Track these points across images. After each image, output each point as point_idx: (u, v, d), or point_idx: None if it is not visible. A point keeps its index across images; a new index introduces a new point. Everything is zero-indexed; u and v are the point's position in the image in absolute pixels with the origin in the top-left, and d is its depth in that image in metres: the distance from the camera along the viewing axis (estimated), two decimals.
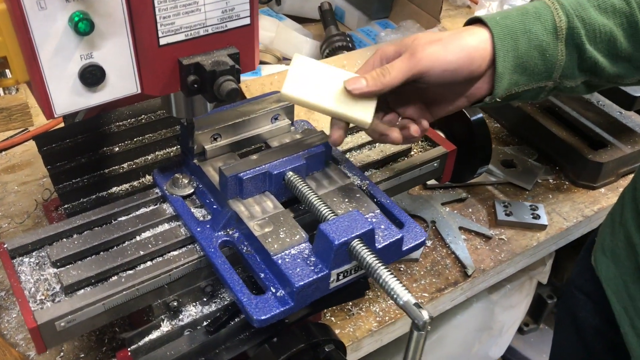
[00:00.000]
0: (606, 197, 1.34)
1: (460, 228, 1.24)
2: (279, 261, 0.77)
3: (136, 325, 0.96)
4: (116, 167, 1.00)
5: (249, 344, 0.87)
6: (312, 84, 0.83)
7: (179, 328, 0.85)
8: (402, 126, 0.87)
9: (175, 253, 0.85)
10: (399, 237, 0.82)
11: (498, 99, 0.86)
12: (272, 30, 1.65)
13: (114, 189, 0.99)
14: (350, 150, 1.04)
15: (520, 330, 2.00)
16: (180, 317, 0.86)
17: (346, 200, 0.87)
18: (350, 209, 0.85)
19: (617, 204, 1.13)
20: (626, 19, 0.84)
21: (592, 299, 1.21)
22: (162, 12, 0.66)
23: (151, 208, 0.91)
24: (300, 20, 1.81)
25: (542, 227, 1.25)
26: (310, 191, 0.83)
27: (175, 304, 0.85)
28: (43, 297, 0.79)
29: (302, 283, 0.75)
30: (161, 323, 0.85)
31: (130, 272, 0.82)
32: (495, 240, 1.23)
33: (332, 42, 1.55)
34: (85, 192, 0.97)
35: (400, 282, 0.72)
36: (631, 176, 1.38)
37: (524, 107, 1.44)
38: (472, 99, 0.87)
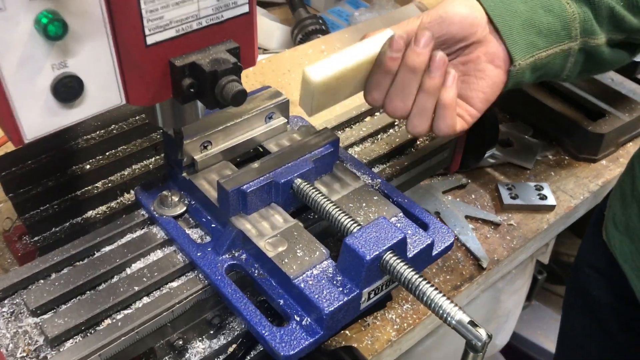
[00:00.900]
0: (608, 170, 1.28)
1: (467, 217, 1.15)
2: (301, 285, 0.67)
3: None
4: (89, 187, 0.87)
5: None
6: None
7: None
8: None
9: (174, 284, 0.74)
10: (429, 242, 0.73)
11: (520, 63, 0.76)
12: None
13: (90, 213, 0.86)
14: (352, 145, 0.94)
15: None
16: (187, 355, 0.75)
17: (364, 204, 0.77)
18: (371, 215, 0.75)
19: (625, 174, 1.08)
20: None
21: (606, 276, 1.16)
22: (148, 5, 0.54)
23: (139, 233, 0.79)
24: (264, 4, 1.68)
25: (551, 208, 1.18)
26: (325, 200, 0.72)
27: (180, 342, 0.73)
28: (25, 354, 0.66)
29: (333, 308, 0.65)
30: None
31: (126, 312, 0.71)
32: (504, 226, 1.15)
33: (305, 27, 1.44)
34: (56, 220, 0.84)
35: (448, 299, 0.62)
36: (631, 145, 1.34)
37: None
38: (497, 64, 0.77)
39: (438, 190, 1.20)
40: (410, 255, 0.71)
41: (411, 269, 0.65)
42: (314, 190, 0.74)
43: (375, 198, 0.78)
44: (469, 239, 1.11)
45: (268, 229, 0.73)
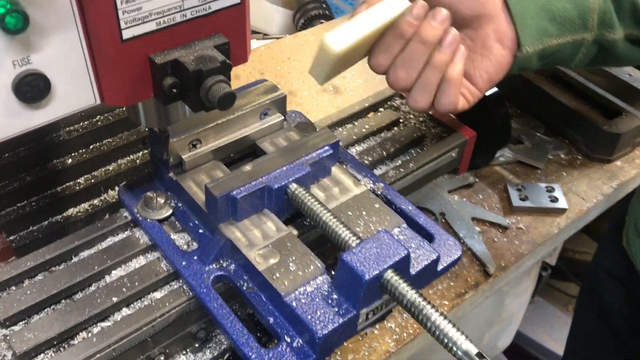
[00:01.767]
0: (623, 171, 1.22)
1: (473, 219, 1.09)
2: (293, 303, 0.61)
3: None
4: (71, 183, 0.82)
5: None
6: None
7: None
8: None
9: (157, 295, 0.68)
10: (435, 257, 0.67)
11: (528, 49, 0.72)
12: None
13: (71, 211, 0.81)
14: (354, 143, 0.87)
15: None
16: None
17: (364, 213, 0.71)
18: (371, 226, 0.69)
19: None
20: None
21: (623, 282, 1.11)
22: None
23: (121, 237, 0.74)
24: None
25: (562, 211, 1.12)
26: (322, 209, 0.66)
27: (162, 358, 0.68)
28: None
29: (327, 332, 0.59)
30: None
31: (103, 324, 0.65)
32: (512, 230, 1.09)
33: (307, 11, 1.37)
34: (34, 218, 0.79)
35: (454, 325, 0.57)
36: None
37: (525, 72, 1.30)
38: (505, 44, 0.72)
39: (444, 189, 1.14)
40: (413, 272, 0.65)
41: (414, 291, 0.59)
42: (310, 197, 0.68)
43: (376, 206, 0.72)
44: (475, 242, 1.05)
45: (259, 238, 0.67)
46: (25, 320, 0.65)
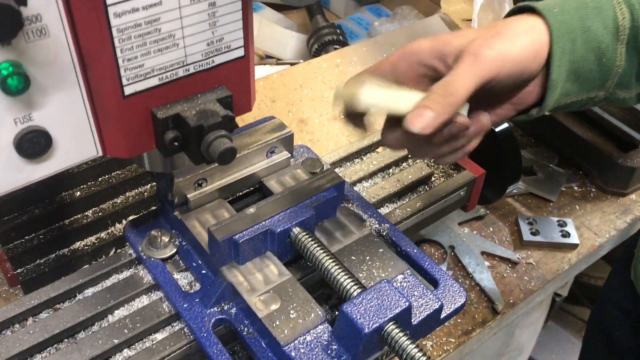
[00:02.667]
0: (638, 205, 1.20)
1: (483, 253, 1.08)
2: (292, 352, 0.61)
3: None
4: (78, 216, 0.82)
5: None
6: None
7: None
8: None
9: (158, 336, 0.68)
10: (437, 306, 0.66)
11: (546, 112, 0.71)
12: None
13: (77, 244, 0.81)
14: (360, 180, 0.87)
15: None
16: None
17: (367, 258, 0.71)
18: (374, 272, 0.69)
19: None
20: None
21: (631, 317, 1.09)
22: (126, 53, 0.48)
23: (125, 275, 0.74)
24: (281, 7, 1.61)
25: (573, 247, 1.11)
26: (324, 255, 0.66)
27: None
28: None
29: None
30: None
31: None
32: (522, 265, 1.08)
33: (321, 36, 1.37)
34: (42, 251, 0.79)
35: None
36: None
37: None
38: (519, 106, 0.72)
39: (454, 221, 1.14)
40: (415, 322, 0.64)
41: (414, 346, 0.58)
42: (312, 242, 0.67)
43: (380, 250, 0.72)
44: (484, 278, 1.04)
45: (261, 282, 0.67)
46: None
